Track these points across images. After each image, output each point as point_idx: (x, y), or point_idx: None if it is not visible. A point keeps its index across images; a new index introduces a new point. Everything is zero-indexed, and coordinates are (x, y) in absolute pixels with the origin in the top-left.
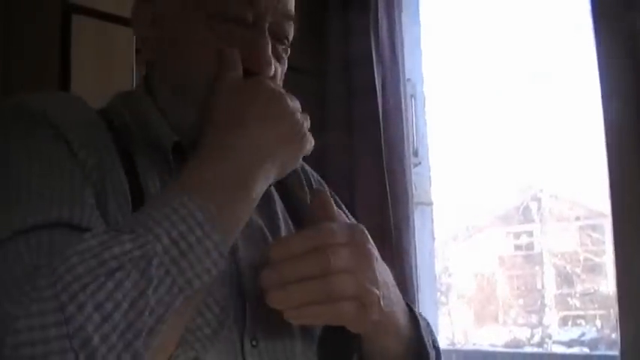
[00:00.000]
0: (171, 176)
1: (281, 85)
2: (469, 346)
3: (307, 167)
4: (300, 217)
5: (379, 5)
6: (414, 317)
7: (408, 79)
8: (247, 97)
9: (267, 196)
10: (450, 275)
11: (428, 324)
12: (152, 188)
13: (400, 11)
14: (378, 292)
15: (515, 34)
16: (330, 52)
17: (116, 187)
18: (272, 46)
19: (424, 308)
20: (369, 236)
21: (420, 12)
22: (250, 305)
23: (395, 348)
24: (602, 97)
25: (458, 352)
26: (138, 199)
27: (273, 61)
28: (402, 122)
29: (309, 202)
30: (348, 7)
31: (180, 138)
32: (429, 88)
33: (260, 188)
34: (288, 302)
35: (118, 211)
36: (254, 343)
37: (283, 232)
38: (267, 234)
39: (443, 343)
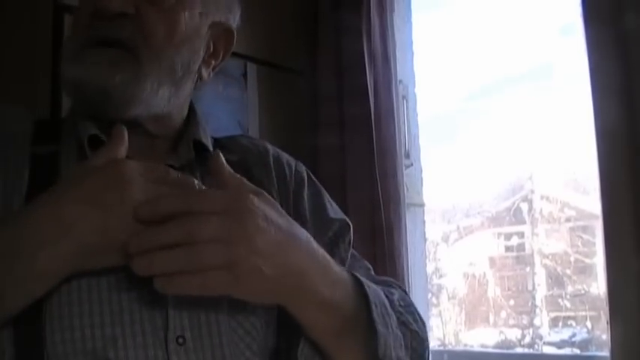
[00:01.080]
0: None
1: (166, 34)
2: (460, 347)
3: (285, 157)
4: None
5: (371, 6)
6: (361, 291)
7: (400, 81)
8: (90, 176)
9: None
10: (441, 276)
11: (400, 304)
12: None
13: (392, 12)
14: (257, 259)
15: (507, 33)
16: (322, 52)
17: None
18: None
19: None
20: (254, 202)
21: (412, 13)
22: (173, 302)
23: (325, 322)
24: (593, 98)
25: (450, 352)
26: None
27: (122, 0)
28: (393, 124)
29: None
30: (339, 7)
31: (98, 131)
32: (420, 89)
33: (50, 266)
34: (152, 270)
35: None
36: (180, 341)
37: None
38: None
39: (434, 344)
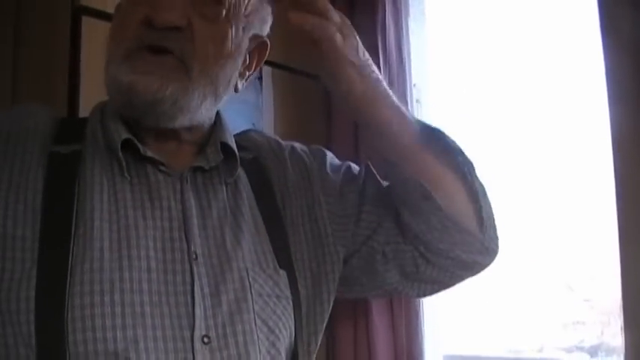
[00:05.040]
0: (123, 175)
1: (211, 45)
2: (471, 352)
3: (297, 146)
4: (269, 213)
5: (386, 10)
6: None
7: (414, 84)
8: None
9: (233, 191)
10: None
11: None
12: (98, 187)
13: (407, 16)
14: (354, 41)
15: (522, 39)
16: None
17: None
18: (191, 2)
19: (428, 314)
20: None
21: (426, 17)
22: (200, 302)
23: (398, 124)
24: (610, 106)
25: (463, 357)
26: (59, 197)
27: (174, 13)
28: None
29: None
30: (354, 11)
31: (131, 135)
32: (435, 93)
33: None
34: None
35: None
36: (206, 340)
37: (245, 228)
38: (229, 232)
39: (445, 349)
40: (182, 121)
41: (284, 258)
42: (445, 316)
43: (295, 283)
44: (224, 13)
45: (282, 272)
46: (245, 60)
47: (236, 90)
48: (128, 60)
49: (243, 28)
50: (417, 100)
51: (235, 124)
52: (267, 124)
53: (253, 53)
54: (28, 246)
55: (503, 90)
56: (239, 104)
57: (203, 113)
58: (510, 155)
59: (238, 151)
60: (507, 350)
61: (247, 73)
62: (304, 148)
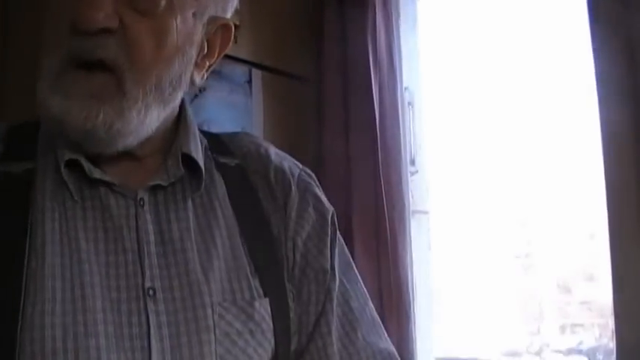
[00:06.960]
0: (74, 198)
1: (149, 41)
2: (467, 356)
3: (287, 166)
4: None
5: (377, 14)
6: None
7: (406, 88)
8: None
9: (204, 206)
10: (447, 284)
11: None
12: (49, 213)
13: (398, 19)
14: None
15: (513, 41)
16: (327, 59)
17: None
18: None
19: (420, 318)
20: None
21: (418, 20)
22: (157, 346)
23: None
24: (600, 104)
25: None
26: (10, 225)
27: (101, 12)
28: (398, 130)
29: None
30: (345, 14)
31: (77, 155)
32: (426, 96)
33: None
34: None
35: None
36: None
37: (219, 249)
38: (195, 259)
39: (440, 353)
40: (125, 143)
41: (269, 280)
42: (437, 319)
43: (283, 306)
44: (163, 2)
45: (262, 301)
46: (202, 49)
47: (193, 84)
48: (56, 81)
49: (194, 14)
50: (409, 103)
51: (225, 128)
52: (256, 128)
53: (215, 39)
54: None
55: (494, 92)
56: (228, 108)
57: (151, 125)
58: (504, 158)
59: (223, 155)
60: (505, 353)
61: (207, 63)
62: (293, 169)
